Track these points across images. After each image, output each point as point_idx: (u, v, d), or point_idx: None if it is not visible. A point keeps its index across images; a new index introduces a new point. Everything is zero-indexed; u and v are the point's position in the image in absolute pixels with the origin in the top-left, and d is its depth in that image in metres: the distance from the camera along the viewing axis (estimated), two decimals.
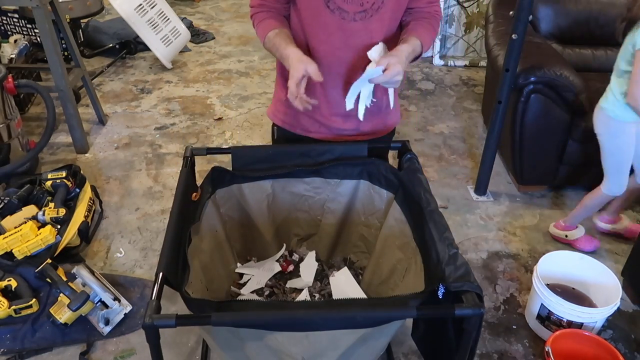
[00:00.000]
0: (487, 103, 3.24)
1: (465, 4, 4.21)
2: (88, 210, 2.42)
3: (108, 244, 2.40)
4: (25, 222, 2.22)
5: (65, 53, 3.54)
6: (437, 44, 4.28)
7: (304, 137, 1.65)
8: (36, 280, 2.08)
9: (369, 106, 1.51)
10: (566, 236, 2.40)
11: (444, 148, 3.18)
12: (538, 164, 2.63)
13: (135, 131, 3.31)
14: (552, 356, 1.68)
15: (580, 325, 1.85)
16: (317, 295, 1.68)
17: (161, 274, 1.15)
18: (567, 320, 1.86)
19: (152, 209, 2.63)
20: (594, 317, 1.85)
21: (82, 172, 2.63)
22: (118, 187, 2.79)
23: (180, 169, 1.51)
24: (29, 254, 2.16)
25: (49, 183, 2.44)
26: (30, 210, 2.31)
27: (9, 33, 3.76)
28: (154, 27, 4.06)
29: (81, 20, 4.06)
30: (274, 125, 1.71)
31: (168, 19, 4.20)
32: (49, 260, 2.05)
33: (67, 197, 2.44)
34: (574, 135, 2.48)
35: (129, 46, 4.29)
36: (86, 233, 2.35)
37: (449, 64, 4.29)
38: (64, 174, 2.46)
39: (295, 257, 1.79)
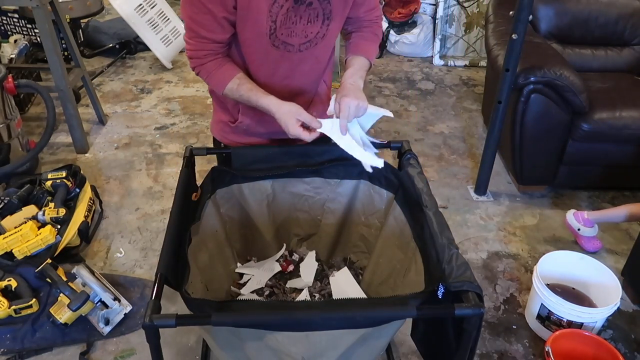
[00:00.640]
0: (487, 103, 3.24)
1: (465, 4, 4.21)
2: (88, 210, 2.42)
3: (108, 244, 2.40)
4: (25, 222, 2.22)
5: (65, 53, 3.54)
6: (437, 44, 4.28)
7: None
8: (36, 280, 2.08)
9: (368, 142, 1.47)
10: (579, 229, 2.37)
11: (444, 148, 3.18)
12: (538, 164, 2.63)
13: (135, 131, 3.31)
14: (552, 356, 1.68)
15: (580, 325, 1.86)
16: (317, 295, 1.67)
17: (161, 273, 1.15)
18: (567, 320, 1.86)
19: (152, 209, 2.63)
20: (594, 317, 1.85)
21: (82, 172, 2.63)
22: (118, 187, 2.79)
23: (180, 169, 1.51)
24: (29, 254, 2.16)
25: (49, 183, 2.44)
26: (30, 210, 2.31)
27: (9, 33, 3.76)
28: (154, 27, 4.06)
29: (81, 20, 4.06)
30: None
31: (168, 19, 4.20)
32: (49, 260, 2.06)
33: (67, 197, 2.44)
34: (574, 135, 2.47)
35: (129, 46, 4.28)
36: (86, 233, 2.35)
37: (449, 64, 4.29)
38: (64, 174, 2.46)
39: (295, 257, 1.79)
